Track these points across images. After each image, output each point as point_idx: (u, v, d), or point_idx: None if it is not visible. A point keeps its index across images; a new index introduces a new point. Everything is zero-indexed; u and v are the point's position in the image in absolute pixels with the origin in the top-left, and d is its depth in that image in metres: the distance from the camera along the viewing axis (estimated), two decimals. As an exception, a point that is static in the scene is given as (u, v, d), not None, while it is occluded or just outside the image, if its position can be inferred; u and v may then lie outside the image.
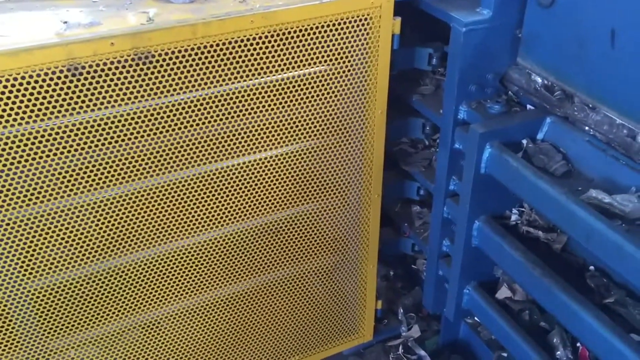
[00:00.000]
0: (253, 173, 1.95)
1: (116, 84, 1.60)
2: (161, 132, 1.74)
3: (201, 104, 1.76)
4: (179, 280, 2.03)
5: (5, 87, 1.48)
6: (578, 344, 1.94)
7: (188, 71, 1.69)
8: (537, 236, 1.99)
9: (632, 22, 1.59)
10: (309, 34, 1.80)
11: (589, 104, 1.76)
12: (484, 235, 2.03)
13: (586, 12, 1.71)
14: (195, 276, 2.05)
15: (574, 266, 1.91)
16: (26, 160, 1.59)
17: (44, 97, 1.53)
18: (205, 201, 1.92)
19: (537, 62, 1.90)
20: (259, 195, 2.00)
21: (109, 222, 1.80)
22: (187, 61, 1.67)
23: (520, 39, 1.94)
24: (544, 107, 1.90)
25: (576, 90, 1.80)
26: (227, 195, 1.95)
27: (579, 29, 1.74)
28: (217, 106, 1.79)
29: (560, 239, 1.95)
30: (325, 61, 1.88)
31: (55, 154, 1.62)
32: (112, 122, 1.65)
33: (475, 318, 2.38)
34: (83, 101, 1.58)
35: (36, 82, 1.50)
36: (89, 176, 1.69)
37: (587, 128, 1.78)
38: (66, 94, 1.55)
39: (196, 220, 1.94)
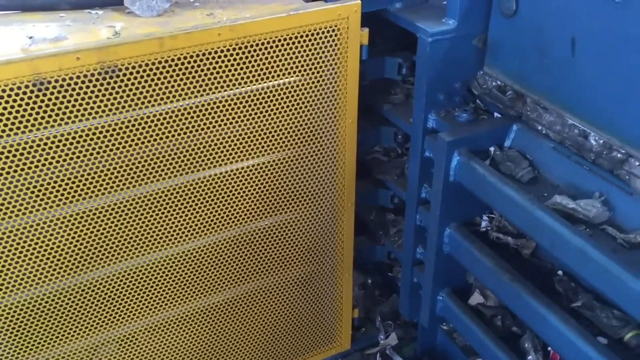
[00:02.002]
0: (225, 185, 1.96)
1: (82, 98, 1.61)
2: (130, 146, 1.74)
3: (170, 117, 1.77)
4: (154, 293, 2.02)
5: (-31, 103, 1.48)
6: (549, 348, 1.96)
7: (156, 84, 1.70)
8: (507, 242, 2.01)
9: (591, 31, 1.63)
10: (276, 46, 1.82)
11: (554, 110, 1.79)
12: (455, 242, 2.05)
13: (548, 21, 1.74)
14: (171, 288, 2.05)
15: (543, 271, 1.93)
16: (-7, 176, 1.59)
17: (10, 113, 1.53)
18: (178, 213, 1.92)
19: (502, 70, 1.94)
20: (233, 207, 2.01)
21: (81, 236, 1.80)
22: (154, 74, 1.68)
23: (478, 48, 1.97)
24: (510, 115, 1.93)
25: (540, 97, 1.83)
26: (201, 207, 1.95)
27: (541, 38, 1.77)
28: (186, 119, 1.80)
29: (529, 244, 1.98)
30: (295, 72, 1.90)
31: (22, 169, 1.62)
32: (80, 137, 1.66)
33: (451, 324, 2.39)
34: (50, 116, 1.59)
35: (1, 97, 1.50)
36: (57, 190, 1.69)
37: (552, 134, 1.81)
38: (32, 109, 1.55)
39: (170, 232, 1.94)
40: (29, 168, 1.63)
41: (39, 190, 1.67)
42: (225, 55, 1.76)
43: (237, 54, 1.77)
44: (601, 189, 1.70)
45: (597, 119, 1.68)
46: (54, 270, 1.80)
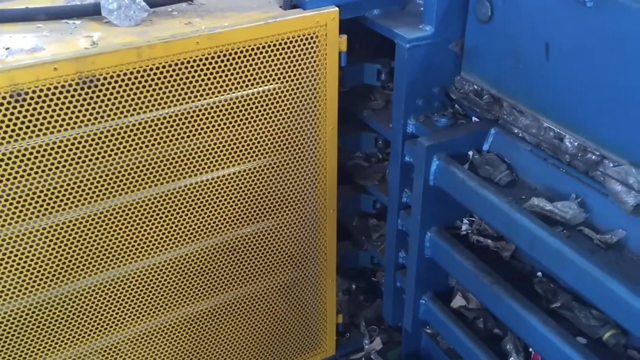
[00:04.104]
0: (207, 193, 1.96)
1: (61, 109, 1.60)
2: (109, 156, 1.74)
3: (149, 126, 1.77)
4: (138, 303, 2.01)
5: (-55, 115, 1.47)
6: (530, 349, 1.98)
7: (135, 94, 1.70)
8: (487, 245, 2.03)
9: (564, 35, 1.66)
10: (255, 54, 1.83)
11: (529, 114, 1.81)
12: (435, 246, 2.06)
13: (522, 27, 1.77)
14: (154, 298, 2.04)
15: (523, 273, 1.95)
16: (-30, 188, 1.58)
17: (-13, 124, 1.52)
18: (161, 222, 1.92)
19: (479, 74, 1.96)
20: (214, 215, 2.01)
21: (62, 247, 1.79)
22: (133, 84, 1.68)
23: (455, 54, 1.99)
24: (488, 119, 1.95)
25: (516, 101, 1.85)
26: (182, 216, 1.95)
27: (516, 43, 1.80)
28: (166, 128, 1.80)
29: (508, 247, 2.00)
30: (274, 80, 1.91)
31: (1, 181, 1.61)
32: (59, 147, 1.65)
33: (434, 328, 2.41)
34: (28, 127, 1.58)
35: (-22, 109, 1.50)
36: (37, 202, 1.68)
37: (529, 137, 1.83)
38: (10, 120, 1.55)
39: (152, 241, 1.94)
40: (7, 180, 1.62)
41: (18, 202, 1.66)
42: (204, 64, 1.76)
43: (216, 62, 1.78)
44: (577, 191, 1.72)
45: (571, 121, 1.70)
46: (35, 281, 1.79)
